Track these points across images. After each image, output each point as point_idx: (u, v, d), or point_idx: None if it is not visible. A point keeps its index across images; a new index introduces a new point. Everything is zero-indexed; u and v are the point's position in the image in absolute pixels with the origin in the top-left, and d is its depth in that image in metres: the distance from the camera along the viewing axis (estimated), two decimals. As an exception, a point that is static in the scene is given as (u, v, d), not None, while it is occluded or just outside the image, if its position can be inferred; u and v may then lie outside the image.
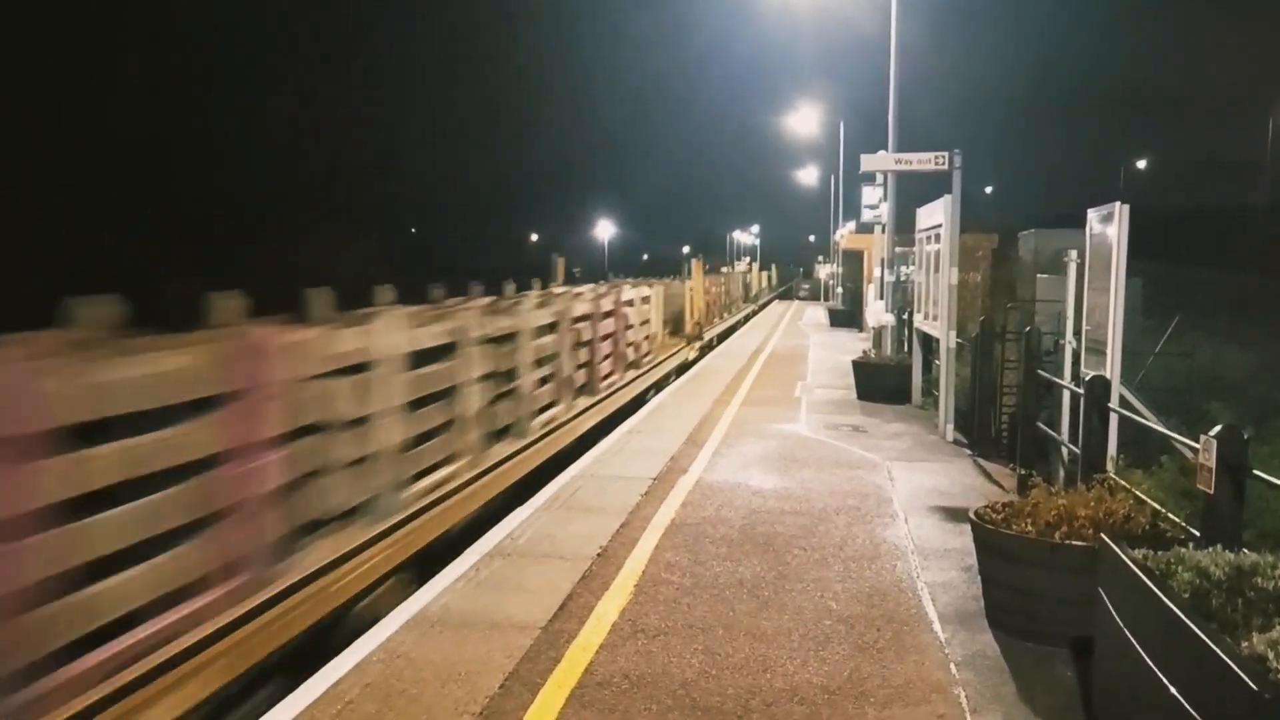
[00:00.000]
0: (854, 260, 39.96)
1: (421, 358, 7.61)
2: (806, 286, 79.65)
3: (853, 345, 24.16)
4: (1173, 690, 3.25)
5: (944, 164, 12.75)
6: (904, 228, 17.51)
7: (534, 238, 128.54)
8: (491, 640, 5.37)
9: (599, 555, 6.93)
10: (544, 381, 11.08)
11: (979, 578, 5.92)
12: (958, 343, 12.41)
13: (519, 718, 4.47)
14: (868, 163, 14.74)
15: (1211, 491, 4.51)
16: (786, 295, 79.71)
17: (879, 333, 19.60)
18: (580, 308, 12.98)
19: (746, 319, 40.96)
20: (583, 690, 4.75)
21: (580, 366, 12.94)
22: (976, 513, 5.75)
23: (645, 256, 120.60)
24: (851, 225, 41.16)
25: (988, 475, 9.85)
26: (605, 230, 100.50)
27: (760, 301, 57.31)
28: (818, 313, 46.70)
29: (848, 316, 36.52)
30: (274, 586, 5.41)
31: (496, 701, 4.63)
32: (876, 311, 19.17)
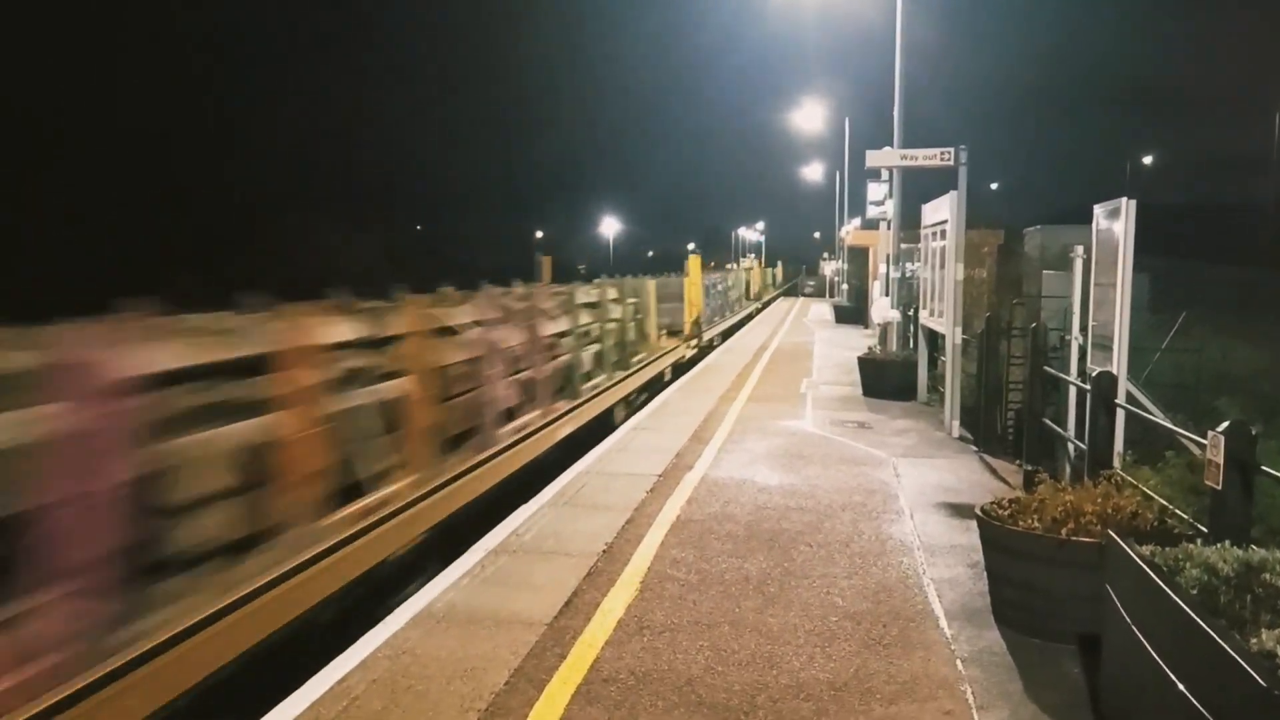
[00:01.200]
0: (859, 257, 39.94)
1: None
2: (812, 283, 79.84)
3: (858, 342, 24.16)
4: (1181, 687, 3.24)
5: (949, 160, 12.72)
6: (910, 224, 17.49)
7: (539, 235, 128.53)
8: (497, 636, 5.37)
9: (605, 552, 6.93)
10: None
11: (985, 574, 5.91)
12: (963, 339, 12.39)
13: (525, 714, 4.47)
14: (873, 158, 14.70)
15: (1219, 487, 4.50)
16: (791, 292, 79.76)
17: (884, 329, 19.58)
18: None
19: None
20: (589, 686, 4.74)
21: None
22: (983, 509, 5.73)
23: (650, 254, 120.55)
24: (857, 222, 41.12)
25: (994, 471, 9.83)
26: (610, 227, 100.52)
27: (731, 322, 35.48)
28: (823, 309, 46.68)
29: (853, 313, 36.51)
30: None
31: (502, 698, 4.63)
32: (882, 308, 19.14)
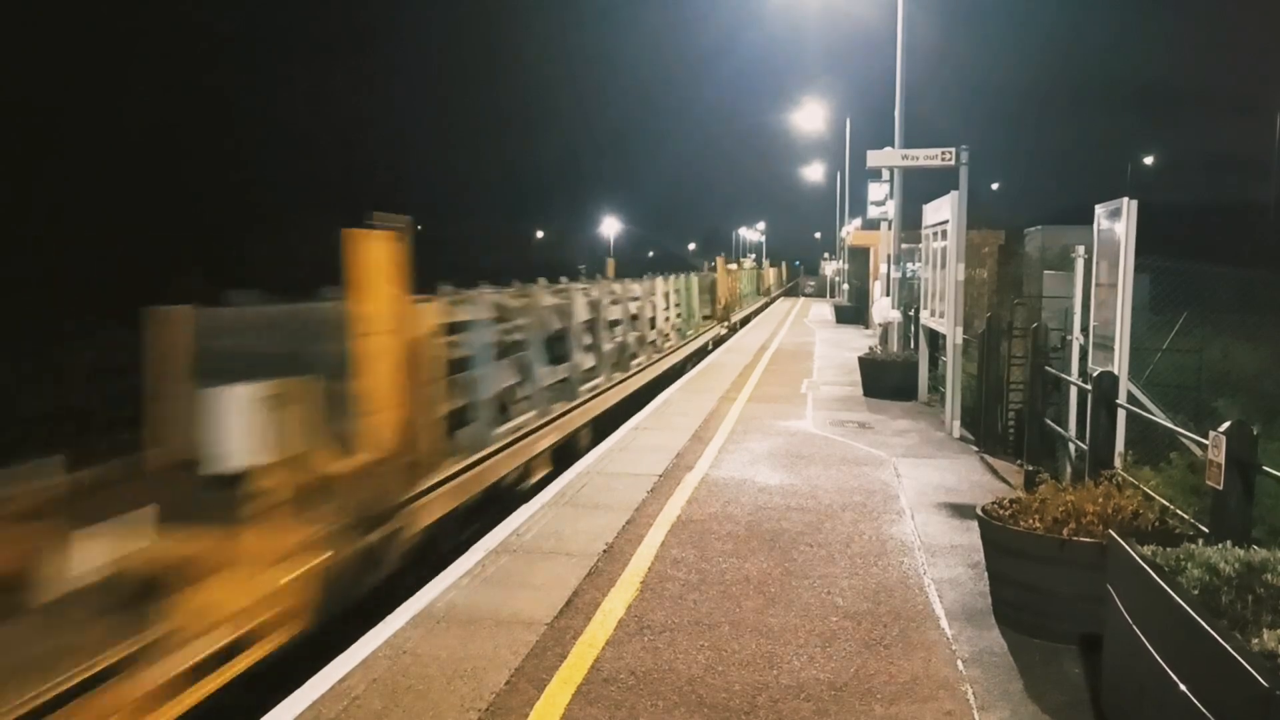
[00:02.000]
0: (860, 257, 39.97)
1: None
2: (812, 283, 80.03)
3: (859, 342, 24.16)
4: (1182, 687, 3.23)
5: (950, 160, 12.72)
6: (911, 224, 17.49)
7: (539, 235, 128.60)
8: (498, 636, 5.37)
9: (605, 551, 6.93)
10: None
11: (986, 574, 5.90)
12: (964, 339, 12.38)
13: (525, 714, 4.46)
14: (874, 158, 14.70)
15: (1220, 487, 4.49)
16: (791, 292, 79.84)
17: (885, 329, 19.58)
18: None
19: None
20: (589, 687, 4.74)
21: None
22: (984, 509, 5.73)
23: (650, 254, 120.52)
24: (858, 222, 41.13)
25: (994, 472, 9.82)
26: (610, 227, 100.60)
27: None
28: (824, 309, 46.68)
29: (854, 313, 36.51)
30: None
31: (503, 698, 4.62)
32: (883, 308, 19.15)
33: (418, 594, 6.10)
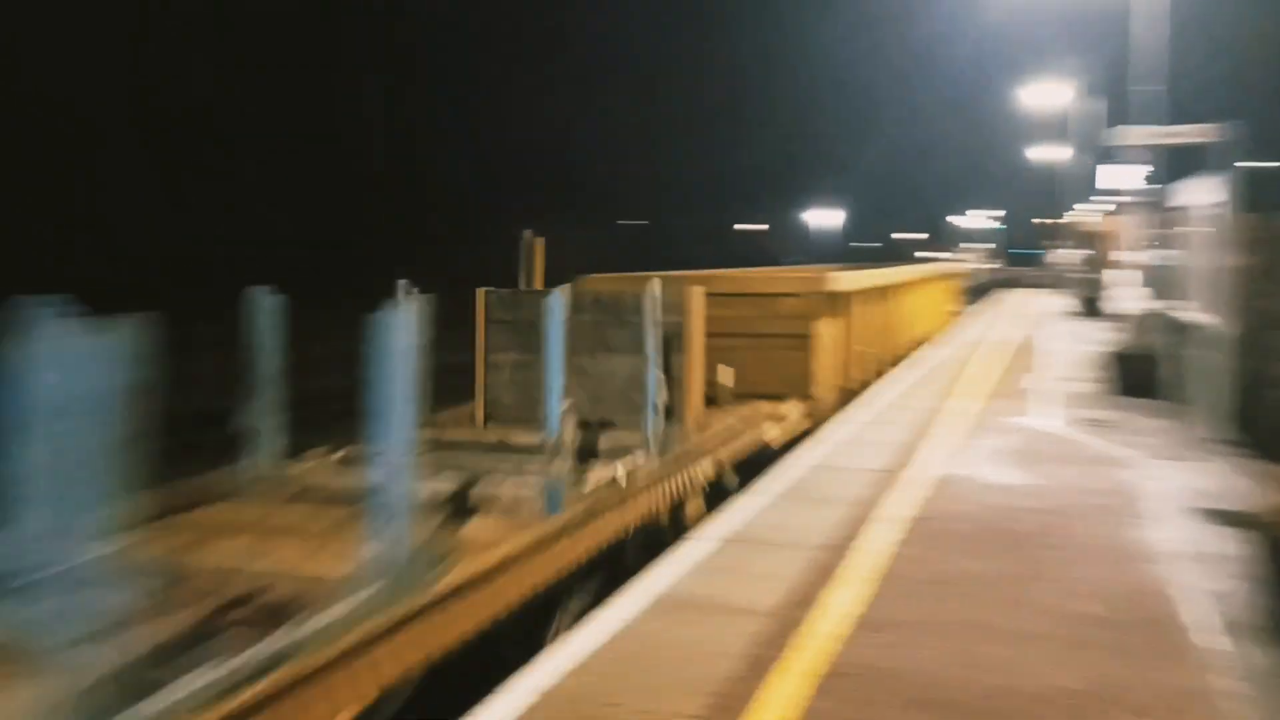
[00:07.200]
0: (1095, 243, 37.58)
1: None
2: (1035, 272, 75.93)
3: (1095, 335, 22.79)
4: None
5: (1213, 137, 11.73)
6: (1155, 207, 16.34)
7: (747, 228, 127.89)
8: (726, 624, 5.45)
9: (834, 546, 6.89)
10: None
11: (1247, 584, 5.48)
12: (1221, 331, 11.47)
13: (754, 700, 4.51)
14: (1122, 136, 13.79)
15: None
16: (1009, 284, 75.38)
17: (1127, 321, 18.41)
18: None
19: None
20: (818, 679, 4.74)
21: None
22: (1258, 515, 5.32)
23: (850, 244, 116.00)
24: (1093, 205, 38.73)
25: (1255, 476, 9.05)
26: (827, 218, 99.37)
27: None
28: (1051, 301, 44.25)
29: (1087, 304, 34.42)
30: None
31: (731, 684, 4.69)
32: (1124, 297, 18.03)
33: (646, 579, 6.28)
